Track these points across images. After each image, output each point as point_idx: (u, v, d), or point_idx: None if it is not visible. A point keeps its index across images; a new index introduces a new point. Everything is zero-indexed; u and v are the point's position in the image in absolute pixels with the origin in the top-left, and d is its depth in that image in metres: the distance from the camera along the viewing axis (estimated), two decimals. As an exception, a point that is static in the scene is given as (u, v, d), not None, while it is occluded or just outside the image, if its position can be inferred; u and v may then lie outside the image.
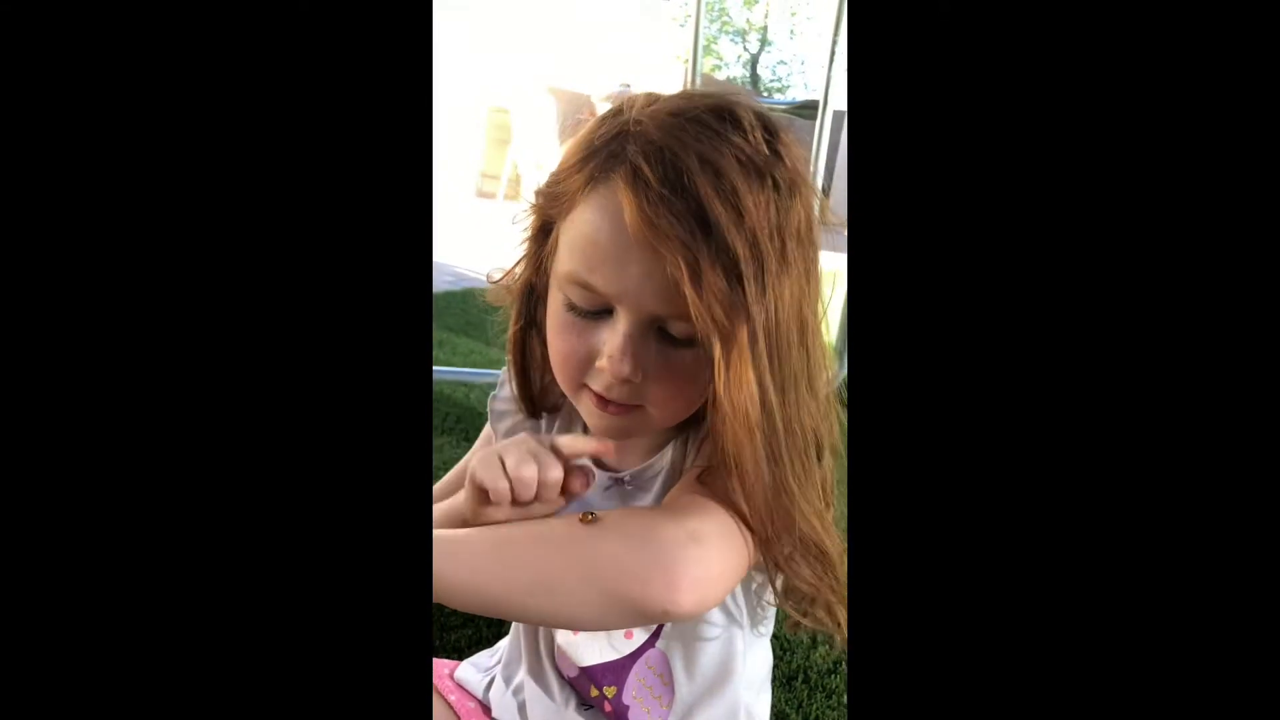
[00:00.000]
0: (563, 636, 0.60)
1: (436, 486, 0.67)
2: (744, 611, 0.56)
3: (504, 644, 0.70)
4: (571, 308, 0.48)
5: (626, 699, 0.58)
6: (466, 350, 2.23)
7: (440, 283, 2.93)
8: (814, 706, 0.92)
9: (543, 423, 0.62)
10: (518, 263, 0.56)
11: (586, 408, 0.51)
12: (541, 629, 0.62)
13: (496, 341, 0.59)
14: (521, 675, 0.63)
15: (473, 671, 0.71)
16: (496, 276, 0.58)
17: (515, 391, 0.60)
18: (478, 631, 0.97)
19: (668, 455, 0.56)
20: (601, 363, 0.47)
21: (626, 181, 0.43)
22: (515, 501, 0.46)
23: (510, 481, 0.45)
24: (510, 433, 0.63)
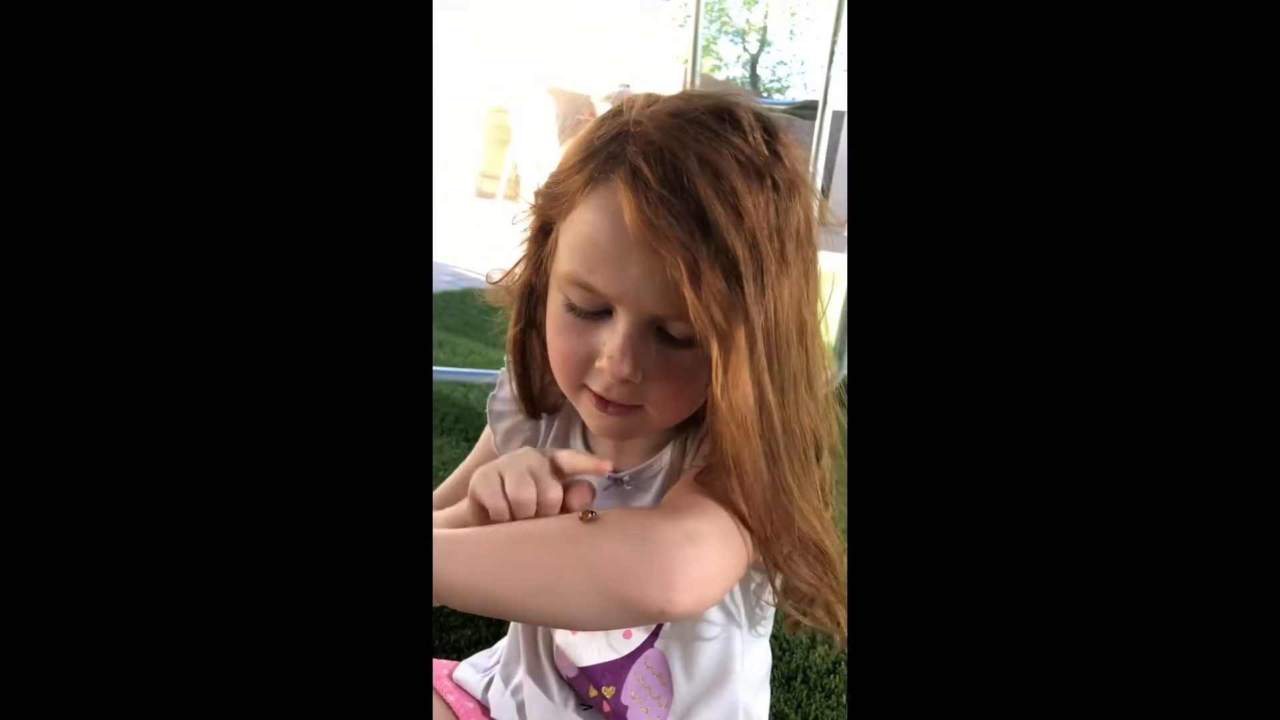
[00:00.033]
0: (561, 637, 0.60)
1: (436, 492, 0.67)
2: (742, 611, 0.56)
3: (503, 644, 0.70)
4: (571, 308, 0.48)
5: (625, 699, 0.58)
6: (466, 350, 2.23)
7: (439, 283, 2.93)
8: (813, 707, 0.92)
9: (542, 423, 0.62)
10: (517, 263, 0.56)
11: (586, 408, 0.51)
12: (540, 629, 0.62)
13: (496, 342, 0.59)
14: (520, 675, 0.63)
15: (471, 672, 0.71)
16: (496, 277, 0.58)
17: (515, 392, 0.60)
18: (477, 632, 0.97)
19: (667, 455, 0.56)
20: (601, 363, 0.47)
21: (626, 182, 0.43)
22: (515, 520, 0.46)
23: (509, 503, 0.46)
24: (509, 434, 0.64)
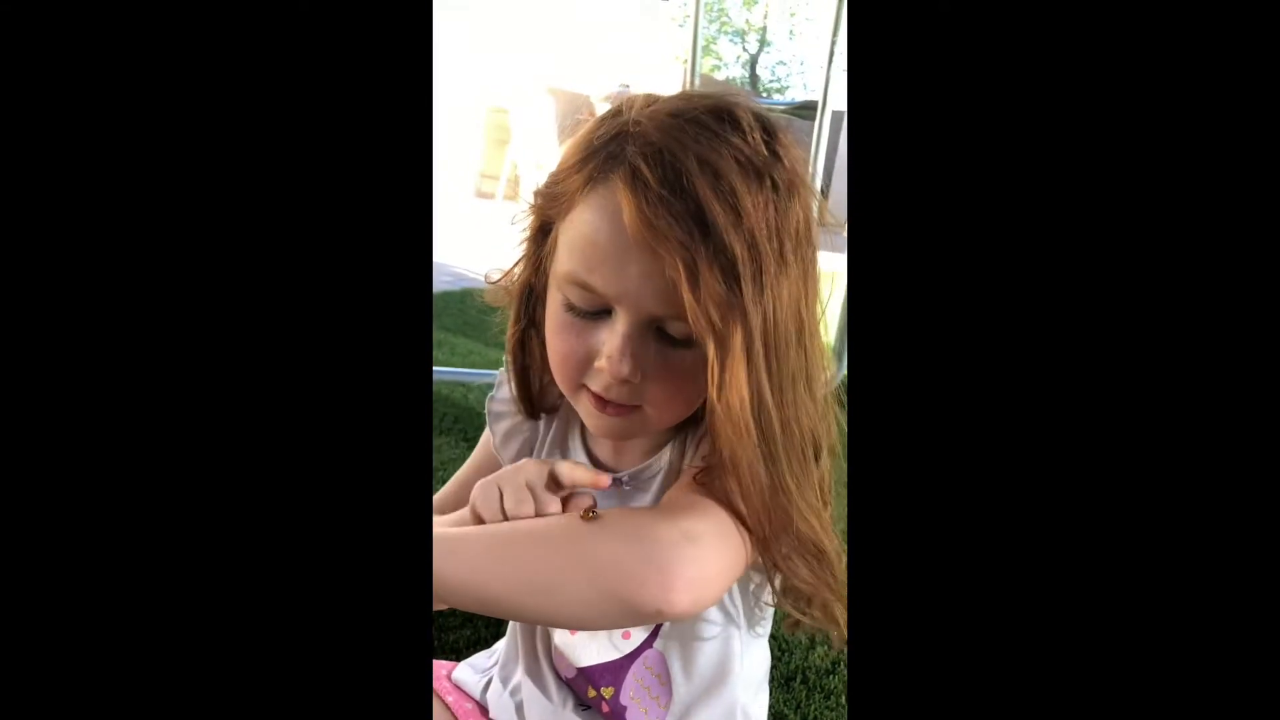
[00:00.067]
0: (560, 637, 0.60)
1: (435, 497, 0.67)
2: (741, 612, 0.56)
3: (501, 645, 0.70)
4: (570, 308, 0.48)
5: (624, 699, 0.58)
6: (465, 351, 2.23)
7: (439, 283, 2.93)
8: (812, 707, 0.92)
9: (541, 423, 0.62)
10: (516, 263, 0.56)
11: (585, 408, 0.51)
12: (539, 629, 0.62)
13: (495, 342, 0.59)
14: (519, 676, 0.63)
15: (470, 673, 0.71)
16: (495, 277, 0.58)
17: (514, 392, 0.60)
18: (476, 632, 0.97)
19: (666, 455, 0.56)
20: (600, 363, 0.47)
21: (625, 182, 0.43)
22: None
23: (506, 520, 0.47)
24: (508, 434, 0.64)
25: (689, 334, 0.44)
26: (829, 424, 0.50)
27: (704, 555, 0.43)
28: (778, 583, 0.51)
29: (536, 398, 0.60)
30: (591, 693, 0.59)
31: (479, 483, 0.49)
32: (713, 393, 0.43)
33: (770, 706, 0.67)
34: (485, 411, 0.65)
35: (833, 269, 0.50)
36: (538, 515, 0.47)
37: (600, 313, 0.47)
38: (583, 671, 0.59)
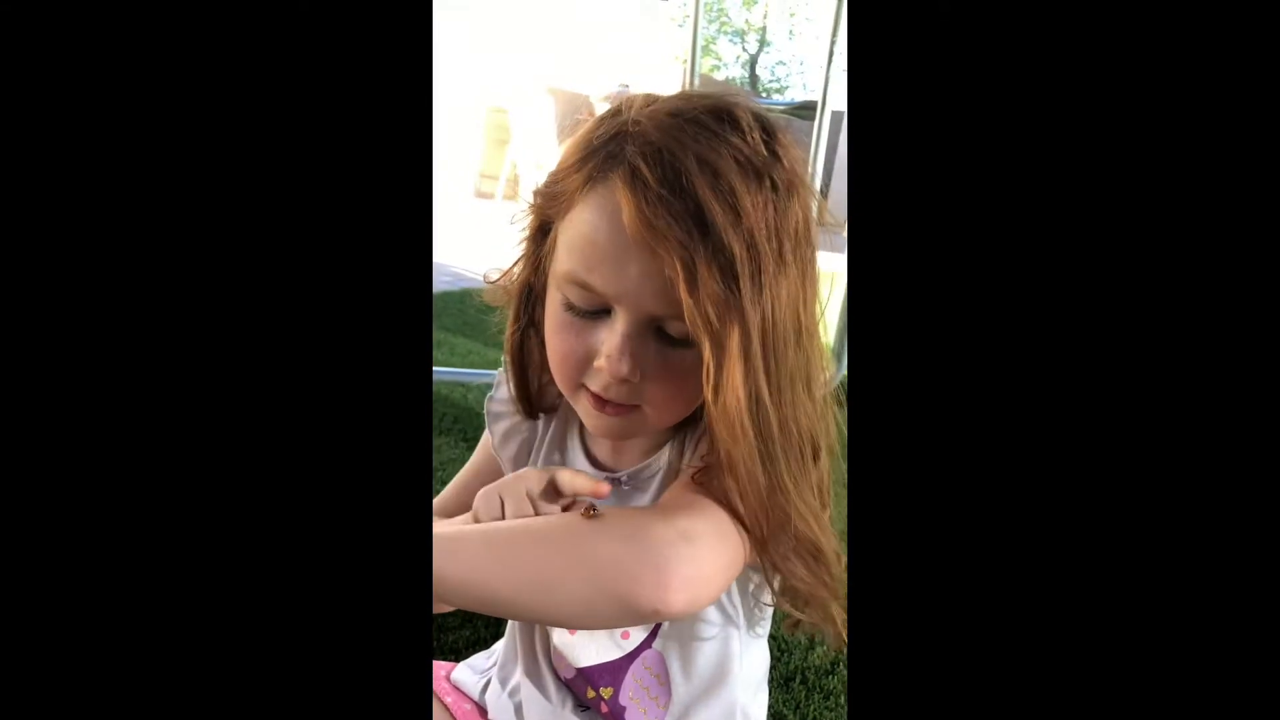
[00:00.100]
0: (559, 637, 0.60)
1: (435, 501, 0.67)
2: (740, 612, 0.56)
3: (500, 646, 0.70)
4: (570, 307, 0.48)
5: (623, 699, 0.58)
6: (464, 351, 2.23)
7: (438, 283, 2.93)
8: (811, 707, 0.92)
9: (539, 423, 0.62)
10: (516, 263, 0.56)
11: (584, 408, 0.51)
12: (538, 630, 0.62)
13: (494, 342, 0.59)
14: (518, 676, 0.63)
15: (469, 673, 0.71)
16: (494, 276, 0.58)
17: (513, 392, 0.60)
18: (475, 633, 0.97)
19: (665, 455, 0.56)
20: (600, 362, 0.47)
21: (625, 182, 0.43)
22: None
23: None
24: (507, 434, 0.63)
25: (688, 333, 0.44)
26: (828, 424, 0.50)
27: (701, 554, 0.43)
28: (776, 583, 0.51)
29: (535, 397, 0.60)
30: (590, 693, 0.59)
31: (481, 492, 0.50)
32: (709, 393, 0.43)
33: (769, 707, 0.67)
34: (484, 412, 0.65)
35: (832, 269, 0.50)
36: None
37: (599, 312, 0.47)
38: (582, 672, 0.59)
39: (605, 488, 0.49)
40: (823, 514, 0.49)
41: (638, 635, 0.57)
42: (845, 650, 0.50)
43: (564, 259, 0.48)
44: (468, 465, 0.68)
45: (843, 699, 0.93)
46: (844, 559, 0.50)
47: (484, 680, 0.69)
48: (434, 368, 1.82)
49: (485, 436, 0.66)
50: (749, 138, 0.45)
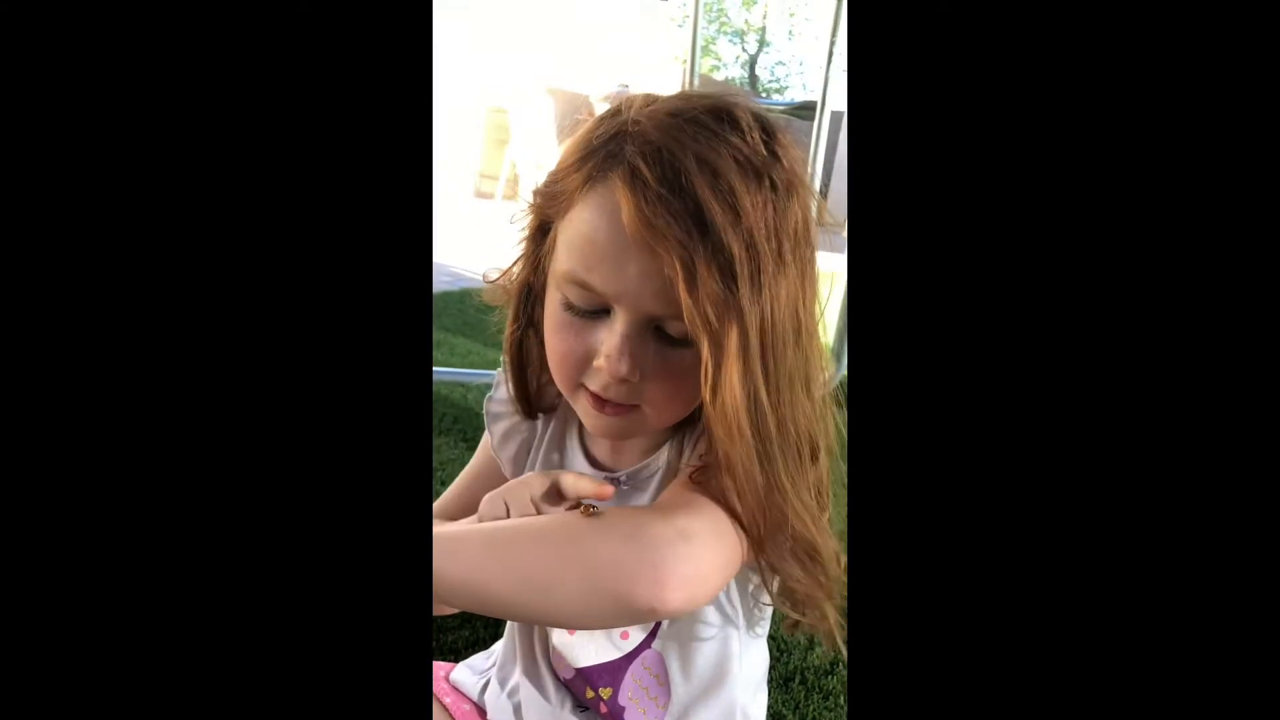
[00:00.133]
0: (558, 637, 0.60)
1: (436, 505, 0.67)
2: (740, 612, 0.56)
3: (499, 646, 0.70)
4: (569, 307, 0.48)
5: (622, 700, 0.58)
6: (464, 351, 2.23)
7: (437, 283, 2.93)
8: (810, 708, 0.92)
9: (538, 422, 0.62)
10: (515, 262, 0.56)
11: (583, 408, 0.51)
12: (537, 630, 0.62)
13: (494, 342, 0.59)
14: (517, 677, 0.63)
15: (468, 674, 0.71)
16: (493, 276, 0.58)
17: (512, 392, 0.59)
18: (474, 633, 0.97)
19: (664, 455, 0.56)
20: (599, 362, 0.47)
21: (625, 181, 0.43)
22: None
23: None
24: (506, 435, 0.63)
25: (688, 333, 0.44)
26: (826, 424, 0.50)
27: (698, 553, 0.43)
28: (773, 585, 0.51)
29: (534, 397, 0.60)
30: (590, 693, 0.59)
31: (486, 497, 0.50)
32: (707, 392, 0.43)
33: (769, 707, 0.67)
34: (484, 413, 0.65)
35: (831, 269, 0.50)
36: None
37: (599, 312, 0.47)
38: (581, 672, 0.59)
39: (609, 490, 0.49)
40: (820, 515, 0.49)
41: (637, 635, 0.57)
42: (840, 652, 0.50)
43: (563, 258, 0.48)
44: (468, 468, 0.68)
45: (842, 699, 0.93)
46: (843, 560, 0.50)
47: (483, 681, 0.69)
48: (433, 368, 1.82)
49: (485, 438, 0.66)
50: (748, 138, 0.45)
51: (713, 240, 0.42)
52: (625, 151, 0.44)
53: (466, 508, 0.65)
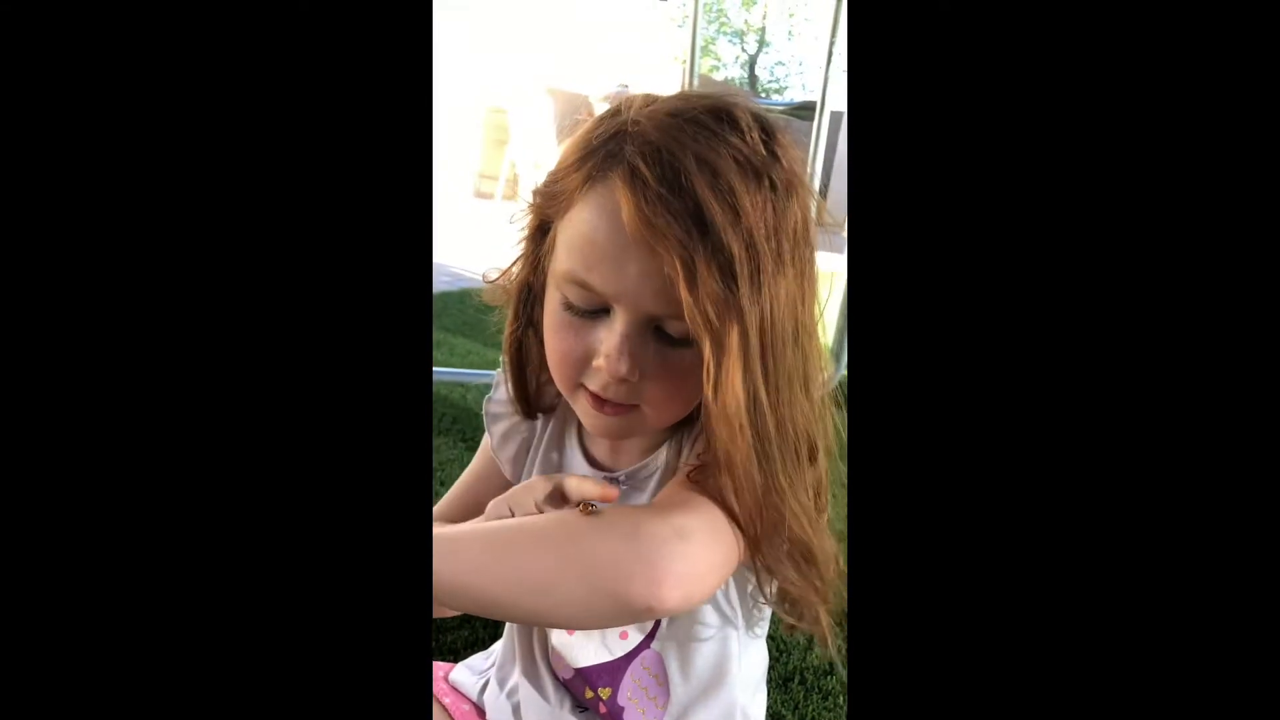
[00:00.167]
0: (557, 637, 0.60)
1: (436, 508, 0.67)
2: (739, 612, 0.56)
3: (499, 646, 0.70)
4: (569, 307, 0.48)
5: (622, 700, 0.58)
6: (464, 351, 2.23)
7: (437, 283, 2.93)
8: (810, 708, 0.92)
9: (538, 422, 0.62)
10: (515, 262, 0.56)
11: (583, 407, 0.51)
12: (536, 630, 0.62)
13: (493, 342, 0.59)
14: (516, 677, 0.63)
15: (467, 674, 0.71)
16: (492, 276, 0.58)
17: (511, 392, 0.59)
18: (474, 633, 0.97)
19: (662, 455, 0.56)
20: (599, 362, 0.47)
21: (624, 181, 0.43)
22: None
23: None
24: (506, 435, 0.63)
25: (687, 333, 0.44)
26: (825, 425, 0.50)
27: (694, 551, 0.43)
28: (769, 588, 0.51)
29: (534, 397, 0.60)
30: (589, 693, 0.59)
31: (491, 503, 0.50)
32: (708, 391, 0.43)
33: (768, 707, 0.67)
34: (483, 414, 0.65)
35: (831, 269, 0.50)
36: None
37: (598, 312, 0.47)
38: (580, 672, 0.59)
39: (614, 492, 0.49)
40: (818, 517, 0.48)
41: (636, 635, 0.57)
42: (835, 656, 0.50)
43: (563, 258, 0.48)
44: (468, 470, 0.68)
45: (841, 699, 0.93)
46: (841, 561, 0.50)
47: (482, 681, 0.69)
48: (433, 368, 1.82)
49: (485, 440, 0.66)
50: (748, 138, 0.45)
51: (713, 240, 0.42)
52: (625, 151, 0.44)
53: (467, 510, 0.65)
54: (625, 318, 0.46)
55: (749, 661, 0.59)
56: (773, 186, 0.44)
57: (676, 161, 0.43)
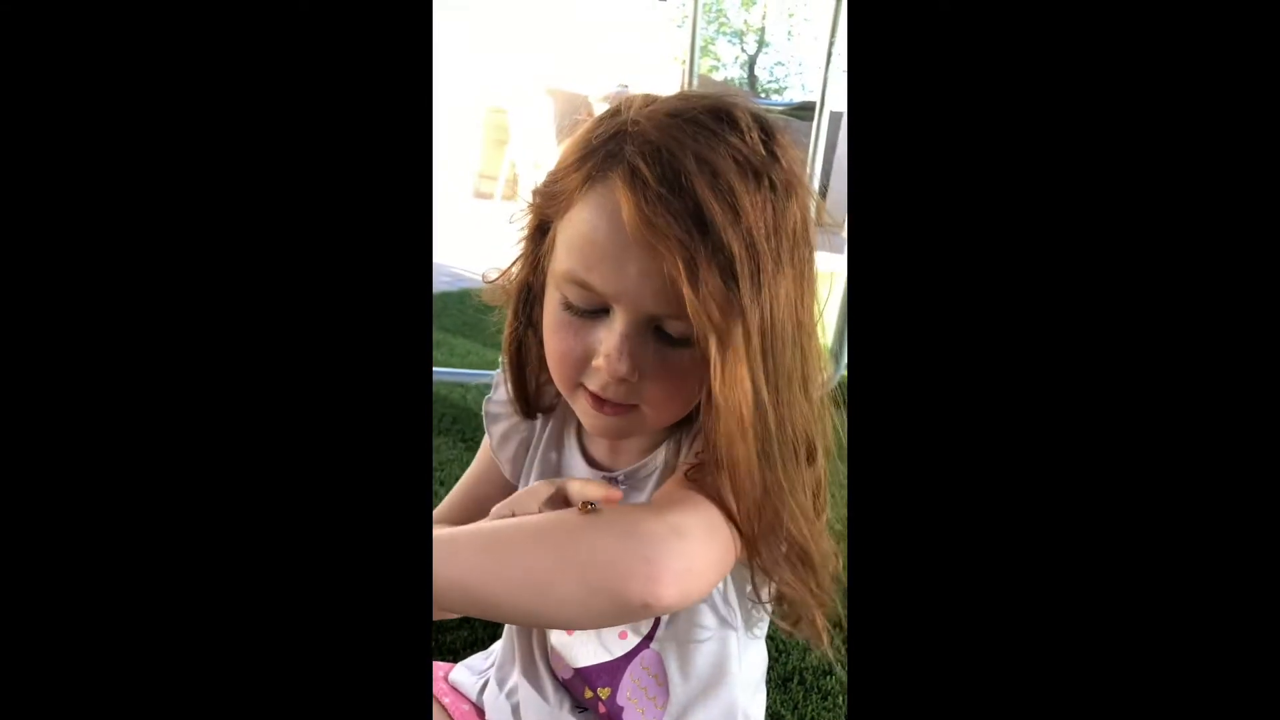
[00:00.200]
0: (557, 637, 0.60)
1: (436, 511, 0.67)
2: (738, 613, 0.56)
3: (498, 646, 0.70)
4: (568, 307, 0.48)
5: (621, 700, 0.58)
6: (463, 351, 2.23)
7: (437, 283, 2.93)
8: (809, 708, 0.92)
9: (537, 422, 0.62)
10: (514, 262, 0.56)
11: (582, 407, 0.51)
12: (535, 630, 0.62)
13: (493, 342, 0.60)
14: (515, 677, 0.63)
15: (467, 674, 0.71)
16: (492, 276, 0.58)
17: (511, 392, 0.60)
18: (473, 633, 0.97)
19: (661, 454, 0.56)
20: (598, 362, 0.47)
21: (624, 181, 0.43)
22: None
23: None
24: (505, 436, 0.63)
25: (687, 333, 0.44)
26: (824, 426, 0.50)
27: (691, 549, 0.43)
28: (765, 592, 0.51)
29: (533, 397, 0.60)
30: (588, 693, 0.59)
31: (495, 509, 0.50)
32: (716, 388, 0.43)
33: (767, 707, 0.67)
34: (482, 414, 0.65)
35: (830, 269, 0.50)
36: None
37: (598, 311, 0.47)
38: (579, 672, 0.59)
39: (617, 494, 0.49)
40: (816, 519, 0.49)
41: (635, 635, 0.57)
42: (832, 657, 0.50)
43: (563, 258, 0.48)
44: (468, 472, 0.68)
45: (841, 699, 0.93)
46: (839, 562, 0.50)
47: (482, 681, 0.69)
48: (433, 368, 1.82)
49: (485, 441, 0.66)
50: (748, 138, 0.45)
51: (713, 239, 0.42)
52: (625, 151, 0.44)
53: (468, 511, 0.65)
54: (625, 318, 0.46)
55: (748, 661, 0.59)
56: (772, 186, 0.44)
57: (676, 161, 0.43)
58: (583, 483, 0.49)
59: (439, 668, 0.73)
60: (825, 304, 0.50)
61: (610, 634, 0.58)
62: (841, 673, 0.96)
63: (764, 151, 0.45)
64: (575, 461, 0.60)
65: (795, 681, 0.96)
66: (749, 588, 0.55)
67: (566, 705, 0.60)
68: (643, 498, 0.56)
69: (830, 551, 0.49)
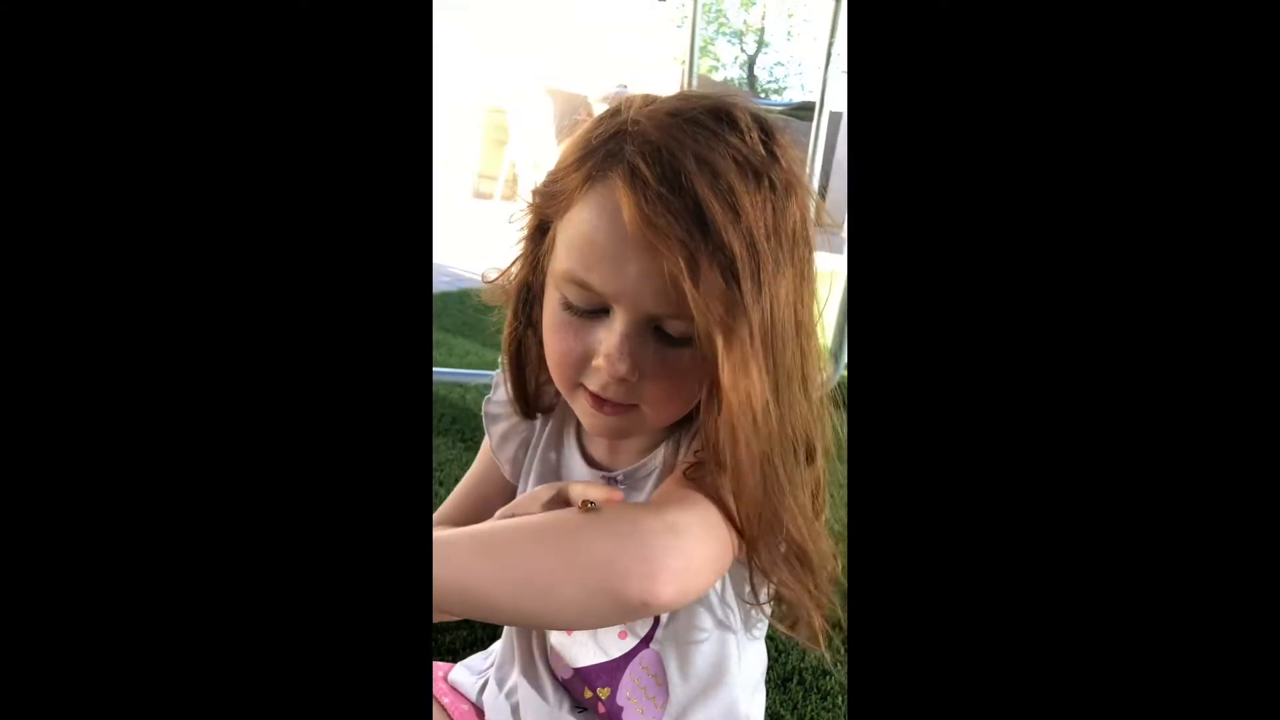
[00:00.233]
0: (556, 638, 0.60)
1: (437, 513, 0.67)
2: (737, 613, 0.56)
3: (498, 646, 0.70)
4: (568, 307, 0.48)
5: (620, 700, 0.58)
6: (463, 351, 2.23)
7: (437, 284, 2.93)
8: (809, 708, 0.92)
9: (537, 422, 0.62)
10: (514, 262, 0.56)
11: (582, 407, 0.51)
12: (535, 630, 0.62)
13: (493, 342, 0.60)
14: (515, 677, 0.63)
15: (466, 674, 0.71)
16: (491, 276, 0.58)
17: (510, 392, 0.60)
18: (473, 633, 0.97)
19: (660, 454, 0.56)
20: (598, 362, 0.47)
21: (624, 180, 0.43)
22: None
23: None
24: (505, 436, 0.63)
25: (687, 333, 0.44)
26: (824, 426, 0.50)
27: (689, 547, 0.43)
28: (764, 591, 0.51)
29: (533, 397, 0.60)
30: (588, 693, 0.59)
31: (498, 513, 0.50)
32: (723, 387, 0.43)
33: (767, 707, 0.67)
34: (482, 415, 0.65)
35: (830, 269, 0.50)
36: None
37: (598, 311, 0.47)
38: (579, 672, 0.59)
39: (618, 495, 0.49)
40: (814, 519, 0.49)
41: (634, 636, 0.57)
42: (827, 660, 0.50)
43: (563, 258, 0.48)
44: (469, 473, 0.68)
45: (840, 699, 0.93)
46: (838, 564, 0.50)
47: (481, 681, 0.69)
48: (433, 368, 1.82)
49: (485, 442, 0.66)
50: (747, 138, 0.45)
51: (713, 239, 0.42)
52: (625, 151, 0.44)
53: (469, 512, 0.65)
54: (625, 317, 0.46)
55: (748, 662, 0.59)
56: (772, 186, 0.44)
57: (676, 161, 0.43)
58: (584, 485, 0.49)
59: (439, 668, 0.73)
60: (825, 304, 0.50)
61: (609, 634, 0.58)
62: (839, 674, 0.96)
63: (764, 151, 0.45)
64: (574, 461, 0.60)
65: (795, 682, 0.96)
66: (747, 589, 0.55)
67: (566, 705, 0.60)
68: (642, 497, 0.56)
69: (829, 552, 0.49)
